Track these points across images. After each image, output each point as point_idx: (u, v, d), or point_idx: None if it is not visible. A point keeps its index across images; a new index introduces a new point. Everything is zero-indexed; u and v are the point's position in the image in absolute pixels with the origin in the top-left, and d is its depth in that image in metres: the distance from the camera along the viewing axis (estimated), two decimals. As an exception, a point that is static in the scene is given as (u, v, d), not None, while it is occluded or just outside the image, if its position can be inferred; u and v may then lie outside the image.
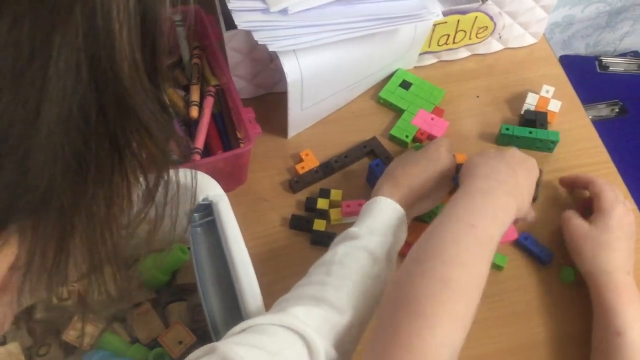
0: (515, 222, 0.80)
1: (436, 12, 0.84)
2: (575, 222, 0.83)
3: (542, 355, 0.80)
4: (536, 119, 0.94)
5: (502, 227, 0.69)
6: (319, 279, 0.67)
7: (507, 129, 0.93)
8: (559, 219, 0.86)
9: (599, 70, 1.62)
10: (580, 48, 1.66)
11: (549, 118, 0.95)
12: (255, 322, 0.60)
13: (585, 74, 1.62)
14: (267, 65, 0.94)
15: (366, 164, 0.91)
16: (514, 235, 0.86)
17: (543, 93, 0.99)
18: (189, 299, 0.78)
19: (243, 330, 0.60)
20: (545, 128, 0.94)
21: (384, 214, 0.74)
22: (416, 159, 0.82)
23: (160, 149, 0.35)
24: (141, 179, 0.35)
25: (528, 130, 0.93)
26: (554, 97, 0.99)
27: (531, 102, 0.98)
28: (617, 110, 1.53)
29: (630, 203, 0.87)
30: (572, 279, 0.84)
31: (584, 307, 0.82)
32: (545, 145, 0.93)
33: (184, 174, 0.70)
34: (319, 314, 0.63)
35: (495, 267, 0.84)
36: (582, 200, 0.89)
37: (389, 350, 0.57)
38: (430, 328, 0.57)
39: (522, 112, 0.96)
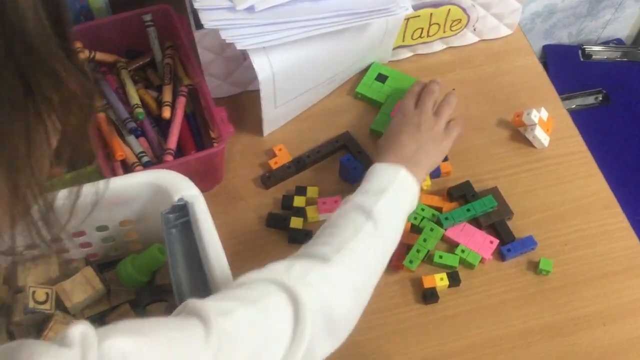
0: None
1: (405, 6, 0.83)
2: None
3: (519, 346, 0.80)
4: (465, 193, 0.88)
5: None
6: (309, 243, 0.68)
7: (447, 218, 0.85)
8: None
9: (582, 59, 1.62)
10: (563, 37, 1.66)
11: (545, 125, 0.94)
12: (235, 282, 0.61)
13: (569, 63, 1.63)
14: (240, 63, 0.93)
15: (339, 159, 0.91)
16: (488, 255, 0.85)
17: (537, 117, 0.93)
18: (169, 299, 0.77)
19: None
20: (475, 194, 0.88)
21: (377, 176, 0.75)
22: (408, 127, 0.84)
23: (73, 95, 0.37)
24: (57, 124, 0.37)
25: (465, 209, 0.86)
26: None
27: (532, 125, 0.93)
28: (600, 98, 1.53)
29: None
30: (549, 271, 0.84)
31: (561, 299, 0.83)
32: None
33: (162, 175, 0.70)
34: (300, 264, 0.63)
35: (468, 264, 0.84)
36: None
37: None
38: None
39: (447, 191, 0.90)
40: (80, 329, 0.45)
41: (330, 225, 0.70)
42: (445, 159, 0.91)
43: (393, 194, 0.73)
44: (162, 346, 0.48)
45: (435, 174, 0.90)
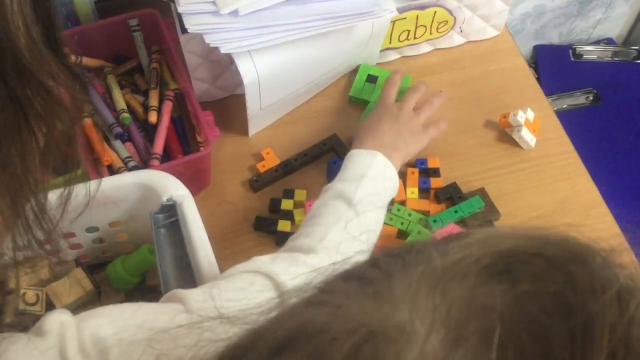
0: None
1: (389, 9, 0.87)
2: None
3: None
4: (452, 195, 0.92)
5: None
6: (292, 236, 0.72)
7: (435, 221, 0.88)
8: None
9: (572, 59, 1.66)
10: (553, 37, 1.70)
11: (531, 126, 0.97)
12: (224, 274, 0.63)
13: (560, 63, 1.67)
14: (227, 67, 0.96)
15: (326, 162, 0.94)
16: None
17: (524, 118, 0.96)
18: (159, 300, 0.80)
19: None
20: (462, 195, 0.91)
21: (354, 163, 0.79)
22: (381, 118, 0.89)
23: (63, 107, 0.39)
24: (44, 130, 0.39)
25: (453, 210, 0.89)
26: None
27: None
28: (591, 98, 1.57)
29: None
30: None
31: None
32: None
33: (151, 176, 0.73)
34: (284, 256, 0.66)
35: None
36: None
37: None
38: None
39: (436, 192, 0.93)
40: (58, 318, 0.46)
41: (312, 215, 0.74)
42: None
43: (371, 179, 0.77)
44: (143, 330, 0.50)
45: (422, 167, 0.94)
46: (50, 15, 0.37)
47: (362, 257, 0.73)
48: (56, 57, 0.38)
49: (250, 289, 0.60)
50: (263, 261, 0.64)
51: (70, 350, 0.45)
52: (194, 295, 0.56)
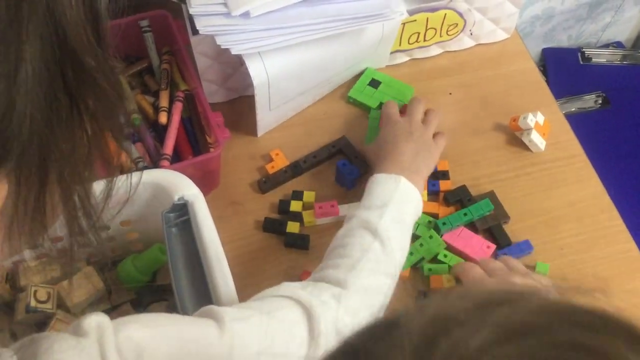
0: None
1: (400, 11, 0.87)
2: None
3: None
4: (461, 198, 0.92)
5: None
6: (319, 267, 0.72)
7: (444, 223, 0.89)
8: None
9: (582, 62, 1.66)
10: (562, 40, 1.70)
11: (541, 129, 0.97)
12: (254, 297, 0.65)
13: (569, 66, 1.67)
14: (237, 69, 0.97)
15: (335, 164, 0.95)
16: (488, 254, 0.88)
17: (534, 121, 0.96)
18: (170, 299, 0.81)
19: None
20: (471, 198, 0.92)
21: (378, 188, 0.79)
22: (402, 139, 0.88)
23: (113, 106, 0.41)
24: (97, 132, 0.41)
25: (462, 213, 0.90)
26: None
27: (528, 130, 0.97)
28: (600, 101, 1.58)
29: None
30: (546, 274, 0.87)
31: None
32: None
33: (162, 175, 0.74)
34: (314, 285, 0.67)
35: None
36: None
37: None
38: None
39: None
40: (96, 319, 0.48)
41: (338, 245, 0.74)
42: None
43: (396, 205, 0.77)
44: (177, 339, 0.52)
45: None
46: (100, 17, 0.39)
47: (388, 284, 0.73)
48: (107, 58, 0.39)
49: (280, 312, 0.62)
50: (293, 287, 0.66)
51: (108, 350, 0.47)
52: (227, 313, 0.58)
